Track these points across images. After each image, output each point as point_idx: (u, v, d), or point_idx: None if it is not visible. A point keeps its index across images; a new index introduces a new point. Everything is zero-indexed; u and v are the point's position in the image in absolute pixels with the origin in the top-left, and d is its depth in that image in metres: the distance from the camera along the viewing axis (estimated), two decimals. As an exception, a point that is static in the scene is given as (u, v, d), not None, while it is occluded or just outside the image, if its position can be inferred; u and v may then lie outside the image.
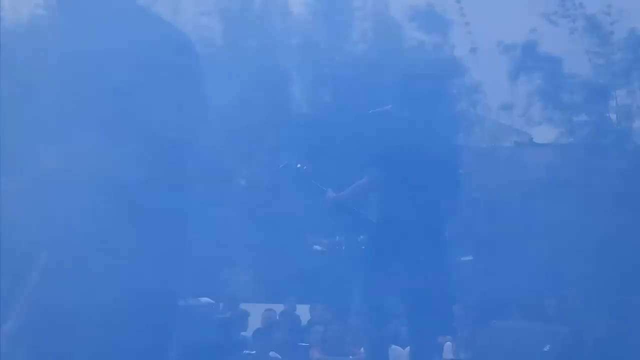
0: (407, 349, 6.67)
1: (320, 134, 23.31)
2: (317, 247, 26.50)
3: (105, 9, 2.81)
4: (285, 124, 25.65)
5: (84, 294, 2.61)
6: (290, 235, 25.66)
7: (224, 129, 26.06)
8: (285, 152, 20.76)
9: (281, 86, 25.77)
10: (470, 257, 26.37)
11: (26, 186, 2.60)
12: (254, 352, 8.14)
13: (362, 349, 6.36)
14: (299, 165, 5.32)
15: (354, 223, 5.53)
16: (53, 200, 2.63)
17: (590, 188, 23.46)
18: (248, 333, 13.03)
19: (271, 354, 7.88)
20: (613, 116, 23.98)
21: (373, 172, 4.81)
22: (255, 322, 12.64)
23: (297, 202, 24.70)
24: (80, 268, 2.63)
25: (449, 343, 9.24)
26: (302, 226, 25.45)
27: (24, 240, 2.66)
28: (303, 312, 11.95)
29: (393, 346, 8.52)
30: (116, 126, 2.73)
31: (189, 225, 2.89)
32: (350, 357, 7.85)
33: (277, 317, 9.57)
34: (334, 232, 25.21)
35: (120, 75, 2.66)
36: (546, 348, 5.72)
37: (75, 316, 2.62)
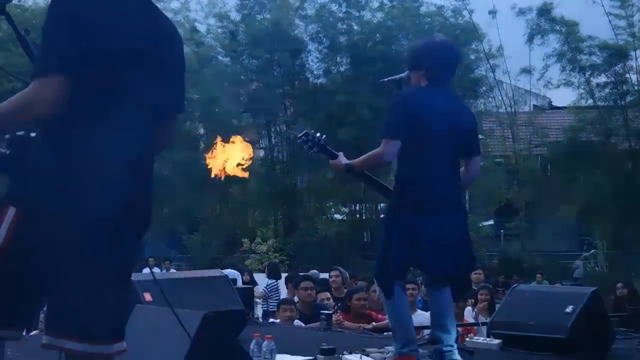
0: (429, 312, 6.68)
1: (337, 103, 23.20)
2: (337, 216, 26.54)
3: None
4: (301, 94, 25.62)
5: None
6: (310, 204, 25.71)
7: (240, 101, 26.10)
8: (302, 122, 20.72)
9: (297, 56, 25.69)
10: (491, 222, 26.39)
11: None
12: (278, 320, 8.16)
13: (385, 315, 6.35)
14: (318, 135, 5.26)
15: (372, 191, 5.44)
16: None
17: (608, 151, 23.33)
18: (273, 303, 13.14)
19: (295, 322, 7.90)
20: (633, 77, 23.75)
21: (390, 140, 4.74)
22: (284, 292, 12.77)
23: (315, 172, 24.74)
24: None
25: (469, 307, 9.22)
26: (321, 195, 25.46)
27: None
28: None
29: (418, 311, 8.56)
30: None
31: None
32: (374, 323, 7.85)
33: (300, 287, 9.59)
34: (352, 200, 25.21)
35: None
36: (568, 309, 5.69)
37: None
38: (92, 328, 2.73)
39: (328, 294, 9.16)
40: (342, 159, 5.05)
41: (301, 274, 11.60)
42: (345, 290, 9.72)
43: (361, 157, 4.93)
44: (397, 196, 4.84)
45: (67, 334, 2.72)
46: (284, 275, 13.69)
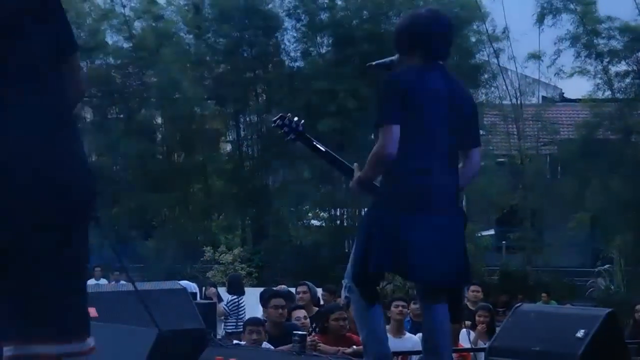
0: (419, 335, 6.70)
1: (317, 91, 23.17)
2: (315, 222, 26.50)
3: None
4: (276, 79, 25.57)
5: None
6: (284, 208, 25.66)
7: (204, 86, 25.99)
8: (276, 112, 20.62)
9: (271, 36, 25.64)
10: (491, 232, 26.45)
11: None
12: (243, 342, 8.14)
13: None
14: (296, 119, 5.26)
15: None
16: None
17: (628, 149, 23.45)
18: (233, 323, 13.11)
19: (264, 344, 7.88)
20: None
21: (388, 127, 4.72)
22: (249, 309, 12.72)
23: (290, 170, 24.70)
24: None
25: (464, 330, 9.25)
26: (297, 198, 25.40)
27: None
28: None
29: (407, 334, 8.60)
30: None
31: None
32: (354, 347, 7.84)
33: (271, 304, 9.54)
34: (333, 204, 25.16)
35: None
36: (580, 334, 5.71)
37: None
38: (68, 324, 2.73)
39: (304, 312, 9.13)
40: (356, 173, 5.00)
41: (274, 288, 11.61)
42: (316, 308, 9.72)
43: (366, 164, 4.89)
44: (384, 189, 4.83)
45: (39, 337, 2.69)
46: (252, 290, 13.68)
